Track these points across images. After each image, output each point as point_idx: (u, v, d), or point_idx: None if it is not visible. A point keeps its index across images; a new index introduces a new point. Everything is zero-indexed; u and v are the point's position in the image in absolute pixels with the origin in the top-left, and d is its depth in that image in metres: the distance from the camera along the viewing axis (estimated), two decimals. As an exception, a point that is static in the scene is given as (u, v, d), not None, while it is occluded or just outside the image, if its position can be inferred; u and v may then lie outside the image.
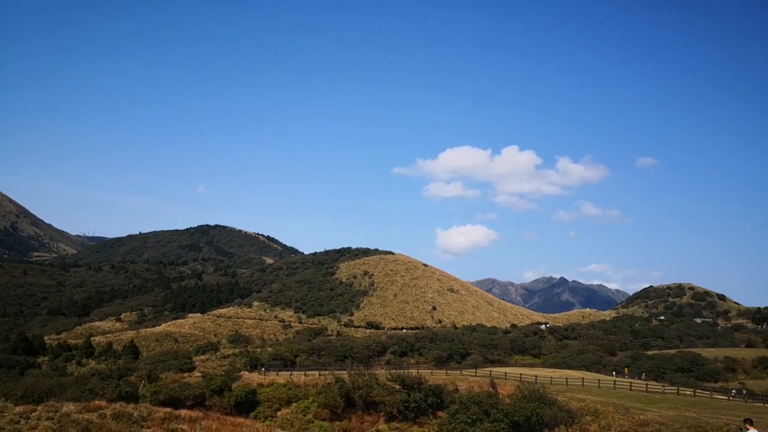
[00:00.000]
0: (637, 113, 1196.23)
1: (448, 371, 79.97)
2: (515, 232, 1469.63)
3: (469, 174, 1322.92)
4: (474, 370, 79.64)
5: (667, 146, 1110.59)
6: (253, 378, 67.58)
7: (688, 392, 64.04)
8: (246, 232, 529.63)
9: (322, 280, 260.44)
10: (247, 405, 56.64)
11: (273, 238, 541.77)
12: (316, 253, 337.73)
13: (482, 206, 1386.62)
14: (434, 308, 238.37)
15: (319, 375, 69.11)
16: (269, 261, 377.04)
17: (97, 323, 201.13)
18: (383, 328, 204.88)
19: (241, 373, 72.75)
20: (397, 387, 54.58)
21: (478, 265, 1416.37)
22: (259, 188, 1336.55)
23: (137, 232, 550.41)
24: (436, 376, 68.81)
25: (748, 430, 14.73)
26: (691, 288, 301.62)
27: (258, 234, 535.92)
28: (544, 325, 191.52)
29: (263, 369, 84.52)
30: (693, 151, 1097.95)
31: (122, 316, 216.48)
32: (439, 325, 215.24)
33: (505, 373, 72.78)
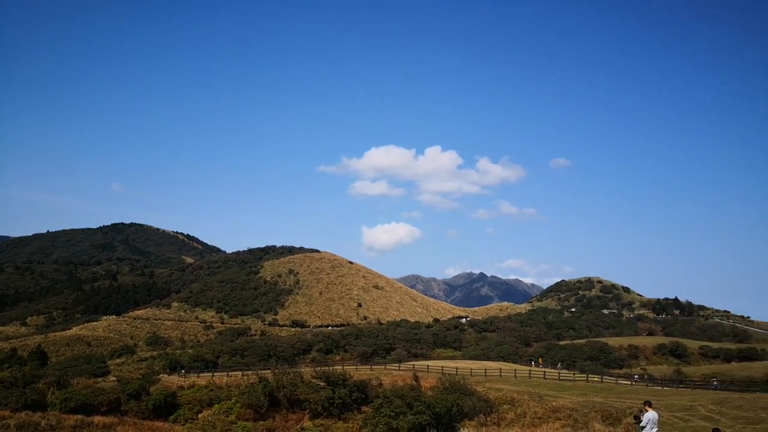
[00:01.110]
0: (552, 116, 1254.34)
1: (373, 366, 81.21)
2: (438, 229, 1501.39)
3: (393, 173, 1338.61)
4: (398, 365, 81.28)
5: (579, 148, 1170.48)
6: (172, 381, 66.08)
7: (596, 379, 68.30)
8: (164, 231, 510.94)
9: (245, 280, 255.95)
10: (166, 409, 55.43)
11: (193, 237, 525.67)
12: (239, 251, 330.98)
13: (406, 204, 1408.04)
14: (360, 305, 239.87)
15: (243, 375, 68.46)
16: (189, 260, 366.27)
17: (0, 328, 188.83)
18: (309, 327, 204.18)
19: (160, 376, 70.93)
20: (322, 384, 55.08)
21: (402, 262, 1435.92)
22: (178, 185, 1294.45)
23: (45, 231, 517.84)
24: (361, 372, 69.77)
25: (648, 411, 16.46)
26: (600, 281, 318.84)
27: (177, 233, 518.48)
28: (464, 319, 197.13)
29: (183, 371, 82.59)
30: (602, 152, 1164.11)
31: (28, 320, 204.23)
32: (364, 321, 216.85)
33: (428, 366, 74.78)
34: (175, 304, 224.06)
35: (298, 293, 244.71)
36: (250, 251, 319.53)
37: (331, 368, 65.79)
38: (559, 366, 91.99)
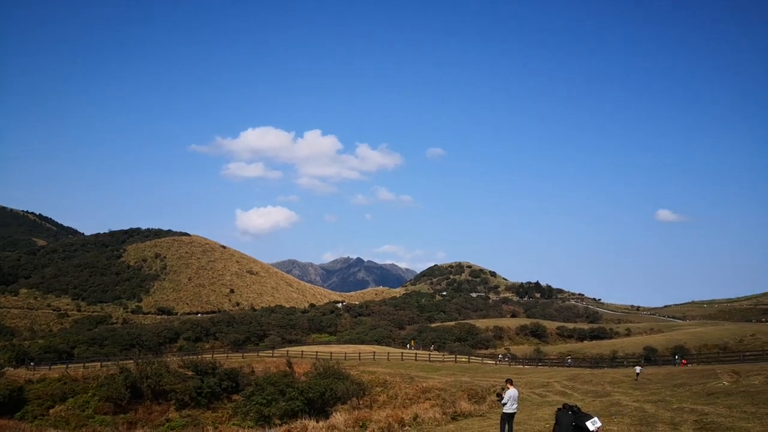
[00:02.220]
0: (429, 108, 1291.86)
1: (245, 354, 79.34)
2: (316, 214, 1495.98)
3: (271, 155, 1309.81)
4: (271, 351, 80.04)
5: (453, 139, 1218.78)
6: (19, 374, 60.28)
7: (464, 359, 71.58)
8: (11, 210, 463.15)
9: (106, 264, 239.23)
10: (11, 405, 50.57)
11: (46, 217, 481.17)
12: (99, 234, 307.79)
13: (284, 188, 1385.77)
14: (232, 291, 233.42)
15: (102, 366, 63.98)
16: (41, 242, 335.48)
17: None
18: (176, 314, 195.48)
19: (5, 369, 64.41)
20: (190, 373, 52.94)
21: (278, 246, 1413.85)
22: (28, 160, 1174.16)
23: None
24: (232, 360, 67.88)
25: (509, 388, 17.10)
26: (469, 266, 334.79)
27: (27, 212, 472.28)
28: (340, 304, 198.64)
29: (32, 364, 75.57)
30: (474, 144, 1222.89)
31: None
32: (237, 308, 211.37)
33: (302, 352, 74.36)
34: (23, 290, 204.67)
35: (165, 279, 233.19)
36: (112, 234, 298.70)
37: (199, 357, 63.46)
38: (432, 348, 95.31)
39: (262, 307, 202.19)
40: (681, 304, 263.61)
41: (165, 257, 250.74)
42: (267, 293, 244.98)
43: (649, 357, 78.12)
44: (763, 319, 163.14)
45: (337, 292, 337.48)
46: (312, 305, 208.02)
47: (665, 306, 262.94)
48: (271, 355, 74.83)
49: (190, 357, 63.42)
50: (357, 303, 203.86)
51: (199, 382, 50.47)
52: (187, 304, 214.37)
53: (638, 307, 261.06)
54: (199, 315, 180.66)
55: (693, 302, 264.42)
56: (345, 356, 67.73)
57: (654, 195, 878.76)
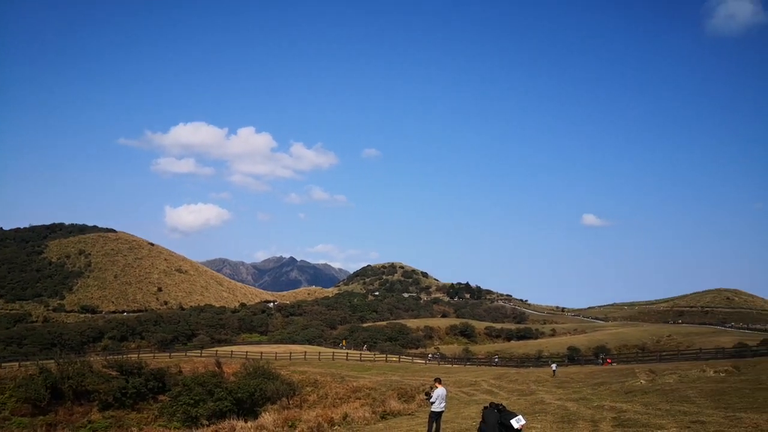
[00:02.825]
0: (365, 108, 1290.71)
1: (172, 354, 76.98)
2: (248, 212, 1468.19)
3: (203, 151, 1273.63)
4: (200, 351, 78.05)
5: (388, 140, 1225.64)
6: (-75, 376, 56.11)
7: (394, 359, 72.10)
8: None
9: (26, 260, 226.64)
10: None
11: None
12: (19, 228, 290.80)
13: (216, 185, 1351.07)
14: (160, 289, 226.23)
15: (20, 366, 60.50)
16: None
17: None
18: (101, 312, 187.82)
19: None
20: (115, 374, 50.91)
21: (209, 244, 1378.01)
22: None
23: None
24: (159, 360, 65.71)
25: (437, 387, 17.28)
26: (402, 267, 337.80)
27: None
28: (272, 303, 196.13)
29: (-59, 365, 70.62)
30: (408, 147, 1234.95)
31: None
32: (164, 306, 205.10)
33: (232, 351, 72.91)
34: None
35: (89, 276, 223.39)
36: (33, 228, 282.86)
37: (124, 356, 61.20)
38: (364, 348, 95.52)
39: (191, 306, 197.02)
40: (603, 306, 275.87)
41: (90, 254, 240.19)
42: (196, 292, 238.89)
43: (573, 356, 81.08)
44: (680, 321, 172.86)
45: (269, 292, 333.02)
46: (243, 305, 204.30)
47: (589, 307, 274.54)
48: (199, 354, 72.96)
49: (115, 357, 61.11)
50: (289, 303, 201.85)
51: (123, 382, 48.59)
52: (113, 302, 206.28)
53: (563, 308, 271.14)
54: (125, 314, 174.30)
55: (615, 304, 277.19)
56: (276, 356, 66.91)
57: (580, 200, 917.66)
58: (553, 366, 43.98)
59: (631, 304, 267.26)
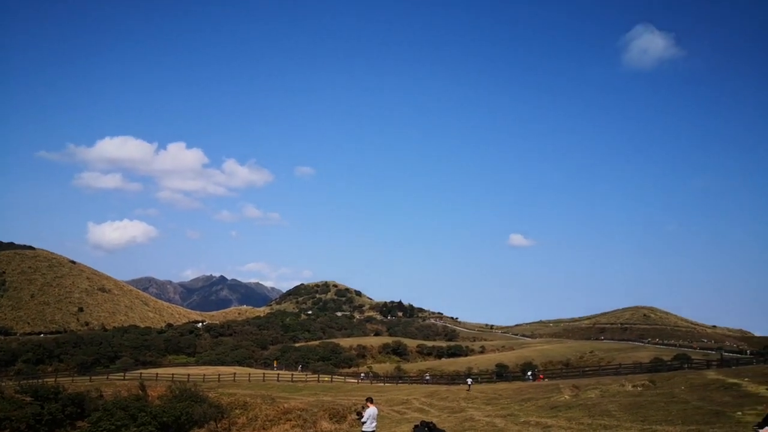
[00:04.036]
0: (298, 125, 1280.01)
1: (93, 377, 73.18)
2: (177, 229, 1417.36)
3: (129, 166, 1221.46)
4: (123, 374, 74.60)
5: (323, 158, 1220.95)
6: None
7: (326, 378, 71.42)
8: None
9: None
10: None
11: None
12: None
13: (143, 201, 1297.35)
14: (81, 309, 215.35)
15: None
16: None
17: None
18: (15, 334, 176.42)
19: None
20: (29, 399, 47.88)
21: (135, 263, 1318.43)
22: None
23: None
24: (78, 384, 62.33)
25: (369, 407, 17.31)
26: (335, 285, 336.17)
27: None
28: (200, 324, 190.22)
29: None
30: (343, 163, 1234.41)
31: None
32: (85, 327, 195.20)
33: (157, 374, 70.18)
34: None
35: (2, 296, 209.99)
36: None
37: (40, 381, 57.69)
38: (299, 368, 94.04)
39: (115, 326, 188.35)
40: (530, 323, 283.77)
41: (4, 272, 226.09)
42: (120, 312, 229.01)
43: (501, 373, 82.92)
44: (601, 337, 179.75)
45: (198, 312, 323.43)
46: (169, 325, 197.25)
47: (517, 324, 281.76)
48: (122, 378, 69.76)
49: (29, 381, 57.47)
50: (218, 323, 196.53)
51: (38, 408, 45.74)
52: (29, 323, 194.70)
53: (492, 325, 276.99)
54: (42, 335, 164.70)
55: (541, 321, 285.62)
56: (204, 378, 64.91)
57: (507, 220, 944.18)
58: (469, 381, 45.61)
59: (557, 321, 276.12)
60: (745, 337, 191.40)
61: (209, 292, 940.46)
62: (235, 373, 71.42)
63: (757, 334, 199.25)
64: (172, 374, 67.31)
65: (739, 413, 16.05)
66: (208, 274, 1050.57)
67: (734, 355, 78.69)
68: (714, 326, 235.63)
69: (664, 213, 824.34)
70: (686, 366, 56.70)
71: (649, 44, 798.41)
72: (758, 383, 22.18)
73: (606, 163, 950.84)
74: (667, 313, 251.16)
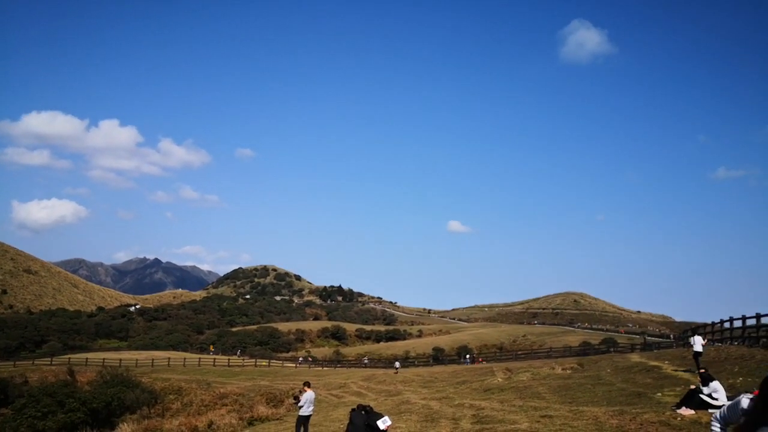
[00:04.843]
0: (238, 107, 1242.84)
1: (17, 362, 70.10)
2: (109, 209, 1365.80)
3: (59, 143, 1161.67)
4: (50, 359, 71.73)
5: (264, 140, 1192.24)
6: None
7: (264, 363, 70.94)
8: None
9: None
10: None
11: None
12: None
13: (72, 180, 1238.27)
14: (5, 292, 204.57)
15: None
16: None
17: None
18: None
19: None
20: (-56, 387, 45.43)
21: (64, 243, 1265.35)
22: None
23: None
24: (0, 369, 59.59)
25: (306, 391, 17.37)
26: (275, 269, 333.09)
27: None
28: (133, 307, 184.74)
29: None
30: (286, 145, 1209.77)
31: None
32: (10, 311, 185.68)
33: (87, 359, 67.82)
34: None
35: None
36: None
37: (-43, 367, 54.79)
38: (238, 353, 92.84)
39: (41, 310, 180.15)
40: (467, 308, 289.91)
41: None
42: (48, 295, 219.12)
43: (437, 356, 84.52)
44: (534, 322, 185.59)
45: (131, 295, 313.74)
46: (101, 308, 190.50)
47: (453, 309, 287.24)
48: (49, 363, 67.04)
49: (-57, 368, 54.49)
50: (152, 306, 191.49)
51: (-46, 396, 43.54)
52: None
53: (430, 310, 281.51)
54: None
55: (476, 306, 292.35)
56: (136, 363, 63.30)
57: (446, 207, 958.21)
58: (396, 364, 46.77)
59: (491, 306, 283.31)
60: (667, 322, 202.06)
61: (143, 275, 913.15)
62: (169, 358, 69.93)
63: (678, 319, 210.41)
64: (103, 359, 65.34)
65: (659, 394, 17.00)
66: (142, 256, 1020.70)
67: (656, 339, 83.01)
68: (639, 311, 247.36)
69: (595, 204, 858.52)
70: (612, 350, 59.46)
71: (585, 39, 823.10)
72: (677, 366, 23.51)
73: (542, 155, 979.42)
74: (596, 299, 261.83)
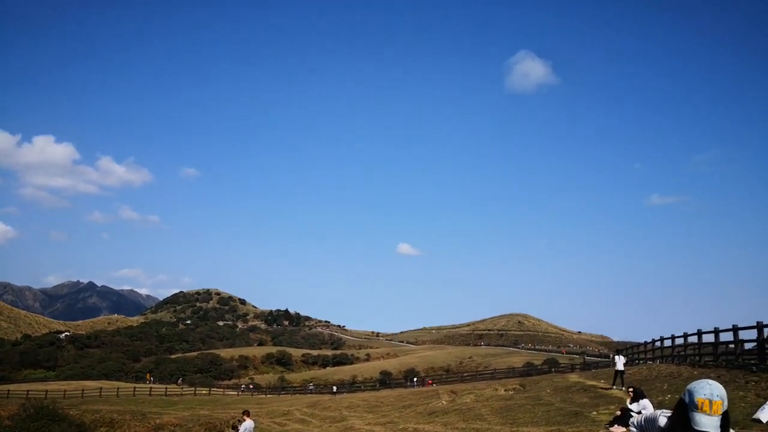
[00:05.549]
0: (184, 126, 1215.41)
1: (-69, 397, 65.25)
2: (39, 230, 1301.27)
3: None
4: (-33, 393, 67.16)
5: (210, 160, 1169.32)
6: None
7: (204, 392, 68.63)
8: None
9: None
10: None
11: None
12: None
13: (0, 198, 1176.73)
14: None
15: None
16: None
17: None
18: None
19: None
20: None
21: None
22: None
23: None
24: None
25: (245, 420, 16.87)
26: (218, 293, 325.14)
27: None
28: (64, 334, 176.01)
29: None
30: (232, 165, 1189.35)
31: None
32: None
33: (9, 390, 63.83)
34: None
35: None
36: None
37: None
38: (179, 381, 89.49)
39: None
40: (415, 330, 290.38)
41: None
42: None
43: (384, 380, 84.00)
44: (480, 343, 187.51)
45: (61, 321, 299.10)
46: (26, 336, 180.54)
47: (402, 332, 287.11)
48: (-34, 397, 62.74)
49: None
50: (85, 333, 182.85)
51: None
52: None
53: (378, 333, 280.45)
54: None
55: (424, 328, 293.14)
56: (64, 394, 60.04)
57: (397, 230, 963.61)
58: (334, 389, 46.64)
59: (439, 328, 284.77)
60: (606, 342, 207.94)
61: (75, 299, 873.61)
62: (101, 388, 66.69)
63: (615, 339, 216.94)
64: (27, 390, 61.67)
65: (594, 413, 17.22)
66: (75, 279, 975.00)
67: (595, 358, 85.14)
68: (579, 332, 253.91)
69: (539, 228, 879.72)
70: (554, 370, 60.51)
71: (530, 69, 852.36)
72: (612, 384, 24.04)
73: (489, 180, 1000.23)
74: (539, 320, 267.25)
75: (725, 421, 2.92)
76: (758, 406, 12.66)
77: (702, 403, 2.88)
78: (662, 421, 3.23)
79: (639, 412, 13.78)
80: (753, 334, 19.07)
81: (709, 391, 2.90)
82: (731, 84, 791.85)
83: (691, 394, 2.95)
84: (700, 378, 3.18)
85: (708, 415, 2.86)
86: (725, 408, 2.91)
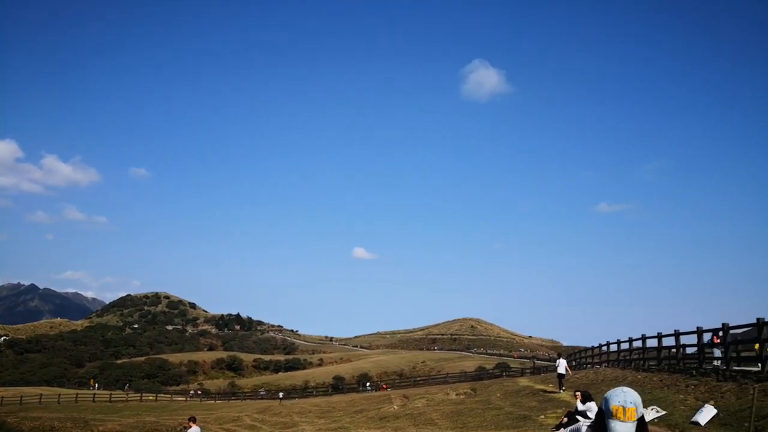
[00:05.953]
0: (134, 124, 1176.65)
1: None
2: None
3: None
4: None
5: (160, 160, 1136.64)
6: None
7: (151, 397, 66.84)
8: None
9: None
10: None
11: None
12: None
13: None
14: None
15: None
16: None
17: None
18: None
19: None
20: None
21: None
22: None
23: None
24: None
25: (191, 426, 16.44)
26: (167, 297, 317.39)
27: None
28: (2, 338, 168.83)
29: None
30: (183, 165, 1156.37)
31: None
32: None
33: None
34: None
35: None
36: None
37: None
38: (125, 388, 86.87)
39: None
40: (369, 335, 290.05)
41: None
42: None
43: (337, 385, 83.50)
44: (434, 348, 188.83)
45: (0, 325, 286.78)
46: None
47: (356, 336, 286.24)
48: None
49: None
50: (24, 337, 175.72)
51: None
52: None
53: (332, 337, 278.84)
54: None
55: (378, 333, 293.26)
56: (2, 401, 57.70)
57: (352, 233, 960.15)
58: (280, 395, 46.75)
59: (393, 333, 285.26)
60: (556, 347, 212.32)
61: (15, 302, 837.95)
62: (41, 395, 64.25)
63: (565, 344, 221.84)
64: (-38, 398, 58.91)
65: (542, 417, 17.49)
66: (16, 281, 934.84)
67: (545, 363, 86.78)
68: (530, 336, 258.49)
69: (493, 233, 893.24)
70: (505, 374, 61.40)
71: (484, 78, 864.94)
72: (559, 389, 24.51)
73: (443, 185, 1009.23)
74: (491, 325, 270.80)
75: (641, 427, 3.00)
76: (697, 409, 13.09)
77: (616, 410, 2.94)
78: (584, 430, 3.31)
79: (584, 413, 14.12)
80: (694, 338, 19.77)
81: (623, 398, 2.96)
82: (682, 93, 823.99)
83: (606, 401, 3.02)
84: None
85: (622, 421, 2.93)
86: (640, 414, 2.97)
